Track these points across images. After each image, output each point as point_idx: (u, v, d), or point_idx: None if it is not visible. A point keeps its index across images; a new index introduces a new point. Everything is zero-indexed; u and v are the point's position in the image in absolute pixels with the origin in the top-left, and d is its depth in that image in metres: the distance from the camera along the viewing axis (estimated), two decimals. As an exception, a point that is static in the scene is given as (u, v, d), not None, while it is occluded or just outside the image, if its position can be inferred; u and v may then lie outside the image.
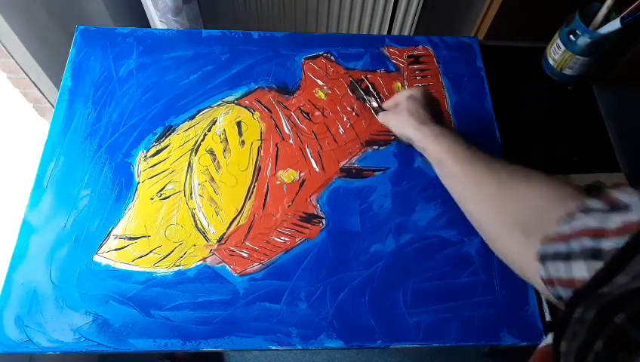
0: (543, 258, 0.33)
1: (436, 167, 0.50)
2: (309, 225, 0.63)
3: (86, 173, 0.64)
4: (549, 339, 0.29)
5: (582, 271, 0.29)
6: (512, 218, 0.39)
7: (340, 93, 0.73)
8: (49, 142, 0.66)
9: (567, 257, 0.31)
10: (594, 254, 0.28)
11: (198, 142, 0.67)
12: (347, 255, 0.61)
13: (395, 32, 1.13)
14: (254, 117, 0.70)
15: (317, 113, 0.71)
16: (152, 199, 0.63)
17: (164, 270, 0.59)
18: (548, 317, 0.59)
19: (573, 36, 0.71)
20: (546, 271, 0.33)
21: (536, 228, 0.36)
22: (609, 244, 0.27)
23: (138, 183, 0.64)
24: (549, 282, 0.33)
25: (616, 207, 0.29)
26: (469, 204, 0.45)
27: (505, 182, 0.41)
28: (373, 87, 0.74)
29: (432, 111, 0.56)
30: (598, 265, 0.28)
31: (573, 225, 0.31)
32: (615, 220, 0.28)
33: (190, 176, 0.65)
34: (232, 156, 0.67)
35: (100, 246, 0.60)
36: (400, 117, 0.57)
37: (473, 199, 0.44)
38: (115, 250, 0.60)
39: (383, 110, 0.66)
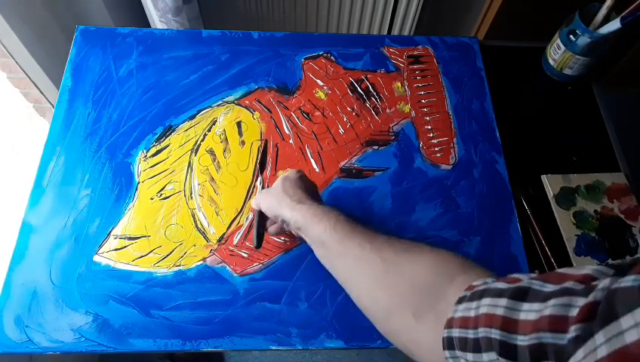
0: (450, 344, 0.31)
1: (317, 248, 0.45)
2: (309, 225, 0.63)
3: (86, 173, 0.64)
4: None
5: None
6: (400, 298, 0.37)
7: (339, 93, 0.73)
8: (49, 142, 0.66)
9: (476, 347, 0.29)
10: (507, 350, 0.26)
11: (198, 142, 0.67)
12: (347, 255, 0.61)
13: (395, 32, 1.13)
14: (254, 117, 0.70)
15: (317, 113, 0.71)
16: (152, 199, 0.63)
17: (164, 270, 0.59)
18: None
19: (573, 36, 0.71)
20: (454, 357, 0.31)
21: (426, 307, 0.34)
22: (524, 340, 0.25)
23: (138, 183, 0.64)
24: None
25: (526, 294, 0.27)
26: (354, 285, 0.42)
27: (390, 259, 0.39)
28: (373, 87, 0.74)
29: (309, 191, 0.52)
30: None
31: (480, 310, 0.29)
32: (526, 310, 0.26)
33: (190, 176, 0.65)
34: (232, 156, 0.67)
35: (100, 246, 0.60)
36: (274, 197, 0.50)
37: (358, 279, 0.41)
38: (115, 250, 0.60)
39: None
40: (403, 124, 0.71)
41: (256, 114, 0.70)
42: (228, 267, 0.60)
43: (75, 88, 0.70)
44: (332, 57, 0.76)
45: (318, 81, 0.74)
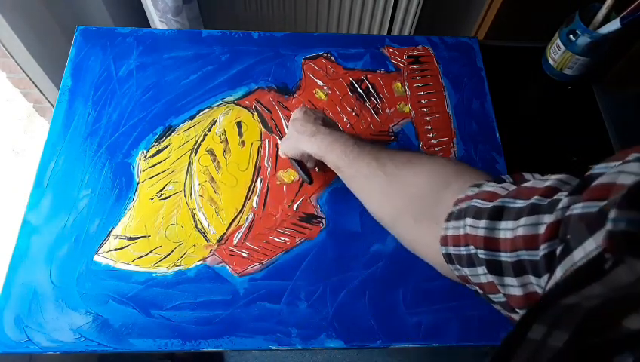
0: (450, 259, 0.35)
1: (337, 173, 0.51)
2: (309, 225, 0.63)
3: (86, 173, 0.64)
4: None
5: (487, 276, 0.30)
6: (401, 206, 0.42)
7: (340, 94, 0.73)
8: (49, 142, 0.66)
9: (470, 262, 0.32)
10: (494, 267, 0.29)
11: (198, 142, 0.67)
12: (347, 255, 0.61)
13: (395, 32, 1.13)
14: (254, 117, 0.70)
15: (317, 113, 0.71)
16: (152, 199, 0.63)
17: (164, 270, 0.59)
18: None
19: (573, 36, 0.71)
20: (457, 270, 0.35)
21: (423, 212, 0.39)
22: (507, 257, 0.28)
23: (138, 183, 0.64)
24: (464, 280, 0.35)
25: (502, 213, 0.30)
26: (366, 201, 0.48)
27: (392, 173, 0.43)
28: (373, 88, 0.74)
29: (319, 120, 0.56)
30: (504, 279, 0.29)
31: (466, 231, 0.32)
32: (503, 228, 0.29)
33: (190, 176, 0.65)
34: (232, 156, 0.67)
35: (100, 246, 0.60)
36: (291, 139, 0.57)
37: (368, 196, 0.47)
38: (115, 250, 0.60)
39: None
40: (403, 124, 0.71)
41: (256, 115, 0.70)
42: (228, 267, 0.60)
43: (75, 88, 0.70)
44: (332, 57, 0.76)
45: (318, 81, 0.74)
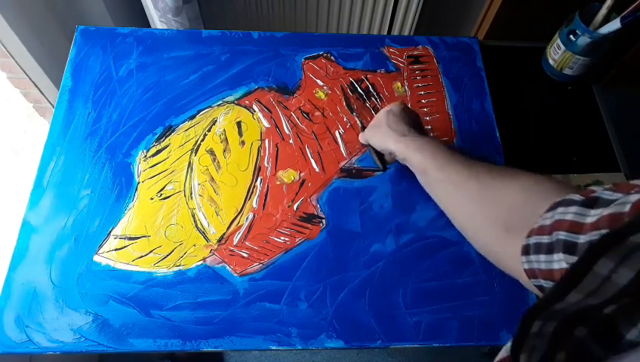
0: (526, 250, 0.34)
1: (420, 176, 0.51)
2: (309, 225, 0.63)
3: (86, 173, 0.64)
4: (504, 352, 0.29)
5: (560, 263, 0.30)
6: (493, 215, 0.40)
7: (339, 93, 0.73)
8: (49, 142, 0.66)
9: (549, 250, 0.31)
10: (569, 248, 0.29)
11: (198, 142, 0.67)
12: (347, 255, 0.61)
13: (395, 32, 1.13)
14: (254, 117, 0.70)
15: (317, 113, 0.71)
16: (152, 199, 0.63)
17: (164, 270, 0.59)
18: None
19: (573, 36, 0.71)
20: (529, 262, 0.34)
21: (517, 222, 0.37)
22: (585, 238, 0.28)
23: (138, 183, 0.64)
24: (531, 274, 0.34)
25: (595, 202, 0.29)
26: (453, 207, 0.46)
27: (486, 182, 0.42)
28: (373, 87, 0.74)
29: (412, 122, 0.57)
30: (574, 259, 0.28)
31: (554, 218, 0.32)
32: (592, 215, 0.29)
33: (190, 176, 0.65)
34: (232, 156, 0.67)
35: (100, 246, 0.60)
36: (380, 132, 0.57)
37: (456, 202, 0.46)
38: (115, 249, 0.60)
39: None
40: (403, 124, 0.71)
41: (256, 114, 0.70)
42: (228, 267, 0.60)
43: (75, 88, 0.70)
44: (332, 57, 0.76)
45: (318, 81, 0.74)
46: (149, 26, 1.03)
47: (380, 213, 0.64)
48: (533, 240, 0.34)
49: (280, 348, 0.56)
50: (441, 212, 0.64)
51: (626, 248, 0.22)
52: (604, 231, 0.26)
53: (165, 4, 0.89)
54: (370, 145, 0.62)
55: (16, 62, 0.89)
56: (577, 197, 0.32)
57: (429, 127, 0.71)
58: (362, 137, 0.63)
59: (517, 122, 0.74)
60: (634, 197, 0.26)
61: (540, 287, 0.34)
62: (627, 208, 0.26)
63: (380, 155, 0.62)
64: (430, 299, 0.59)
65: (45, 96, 1.00)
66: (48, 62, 0.91)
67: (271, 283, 0.59)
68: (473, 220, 0.43)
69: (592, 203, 0.29)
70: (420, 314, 0.58)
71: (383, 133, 0.56)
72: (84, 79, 0.71)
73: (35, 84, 0.96)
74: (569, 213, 0.30)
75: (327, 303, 0.59)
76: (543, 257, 0.32)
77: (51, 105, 1.03)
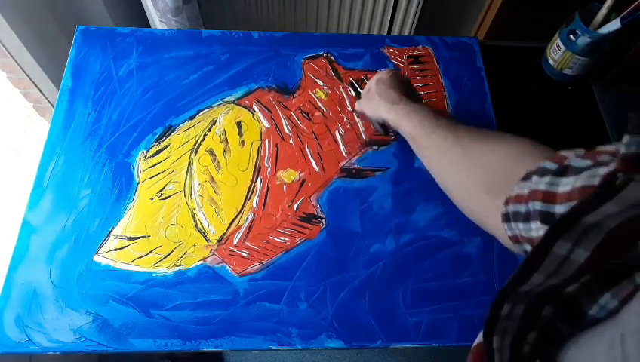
0: (507, 217, 0.35)
1: (411, 143, 0.52)
2: (309, 225, 0.63)
3: (86, 173, 0.64)
4: (480, 338, 0.30)
5: (539, 230, 0.31)
6: (477, 180, 0.41)
7: (339, 93, 0.73)
8: (49, 142, 0.66)
9: (526, 218, 0.32)
10: (546, 218, 0.30)
11: (198, 142, 0.67)
12: (347, 255, 0.61)
13: (395, 32, 1.13)
14: (254, 117, 0.70)
15: (317, 113, 0.71)
16: (152, 199, 0.63)
17: (164, 270, 0.59)
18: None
19: (573, 36, 0.71)
20: (511, 229, 0.35)
21: (499, 188, 0.38)
22: (560, 208, 0.29)
23: (138, 183, 0.64)
24: (515, 240, 0.35)
25: (567, 170, 0.30)
26: (439, 171, 0.48)
27: (469, 146, 0.43)
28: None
29: (404, 88, 0.57)
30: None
31: (530, 187, 0.33)
32: (564, 184, 0.29)
33: (190, 176, 0.65)
34: (232, 156, 0.67)
35: (100, 246, 0.60)
36: (373, 102, 0.58)
37: (442, 167, 0.47)
38: (115, 249, 0.60)
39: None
40: (403, 124, 0.71)
41: (256, 114, 0.70)
42: (228, 267, 0.60)
43: (75, 88, 0.70)
44: (332, 57, 0.76)
45: (318, 81, 0.74)
46: (149, 26, 1.03)
47: (380, 213, 0.64)
48: (511, 208, 0.35)
49: (280, 348, 0.56)
50: (441, 212, 0.65)
51: (580, 228, 0.24)
52: (574, 203, 0.27)
53: (165, 4, 0.89)
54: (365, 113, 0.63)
55: (16, 62, 0.89)
56: (550, 165, 0.33)
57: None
58: (357, 106, 0.64)
59: (517, 122, 0.74)
60: (602, 170, 0.27)
61: (526, 252, 0.35)
62: (597, 181, 0.27)
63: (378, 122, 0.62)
64: (430, 299, 0.59)
65: (45, 96, 1.00)
66: (48, 62, 0.91)
67: (271, 283, 0.59)
68: (458, 184, 0.45)
69: (563, 171, 0.30)
70: (419, 314, 0.58)
71: (375, 103, 0.57)
72: (84, 79, 0.71)
73: (35, 84, 0.96)
74: (542, 183, 0.31)
75: (327, 303, 0.59)
76: (521, 226, 0.33)
77: (51, 105, 1.03)
